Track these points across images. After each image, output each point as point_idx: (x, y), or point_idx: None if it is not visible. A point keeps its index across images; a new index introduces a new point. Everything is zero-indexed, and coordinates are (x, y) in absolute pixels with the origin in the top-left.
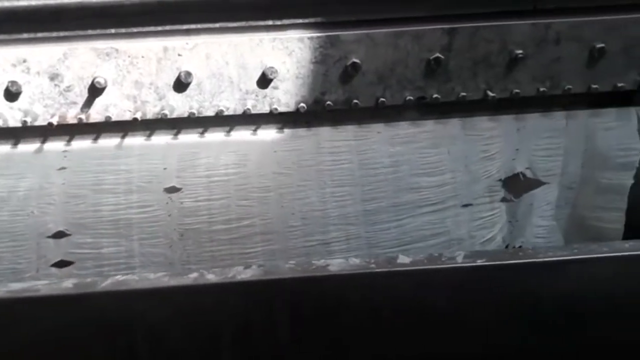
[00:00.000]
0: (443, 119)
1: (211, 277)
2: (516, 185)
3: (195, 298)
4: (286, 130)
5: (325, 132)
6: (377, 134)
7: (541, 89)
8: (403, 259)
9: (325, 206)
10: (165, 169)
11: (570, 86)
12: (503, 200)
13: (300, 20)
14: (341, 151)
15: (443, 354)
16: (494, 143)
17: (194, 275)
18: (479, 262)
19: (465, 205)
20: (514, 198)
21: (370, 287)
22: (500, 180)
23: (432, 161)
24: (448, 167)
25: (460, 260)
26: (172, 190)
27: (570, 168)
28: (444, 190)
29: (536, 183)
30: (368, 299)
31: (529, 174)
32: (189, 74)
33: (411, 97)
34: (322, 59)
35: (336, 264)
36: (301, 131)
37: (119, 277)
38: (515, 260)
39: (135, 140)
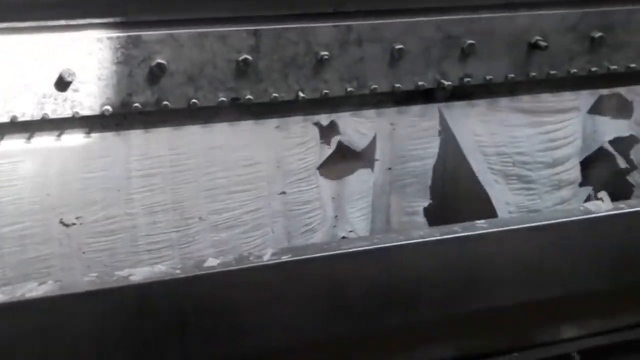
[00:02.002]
0: (260, 119)
1: None
2: None
3: None
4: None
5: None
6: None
7: (349, 89)
8: (211, 262)
9: None
10: None
11: (376, 86)
12: None
13: (97, 20)
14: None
15: (252, 352)
16: (315, 215)
17: None
18: (284, 258)
19: None
20: None
21: (176, 293)
22: None
23: (257, 244)
24: (272, 245)
25: (267, 258)
26: None
27: (377, 224)
28: None
29: None
30: (174, 305)
31: (352, 236)
32: None
33: (224, 98)
34: (125, 60)
35: (139, 273)
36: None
37: None
38: (321, 253)
39: None
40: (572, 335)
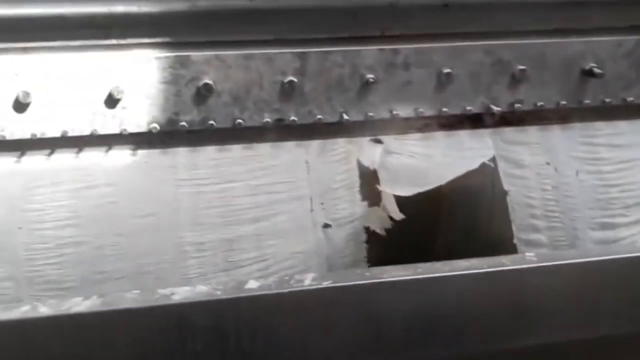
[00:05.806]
0: (303, 140)
1: (44, 310)
2: None
3: (27, 332)
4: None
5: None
6: None
7: (395, 112)
8: (251, 285)
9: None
10: None
11: (422, 109)
12: None
13: (146, 40)
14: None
15: None
16: None
17: (25, 308)
18: (325, 284)
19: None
20: None
21: (216, 315)
22: None
23: None
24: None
25: (307, 283)
26: None
27: None
28: None
29: None
30: (214, 326)
31: None
32: (27, 93)
33: (269, 119)
34: (173, 79)
35: (182, 292)
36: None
37: None
38: (361, 280)
39: None
40: None
